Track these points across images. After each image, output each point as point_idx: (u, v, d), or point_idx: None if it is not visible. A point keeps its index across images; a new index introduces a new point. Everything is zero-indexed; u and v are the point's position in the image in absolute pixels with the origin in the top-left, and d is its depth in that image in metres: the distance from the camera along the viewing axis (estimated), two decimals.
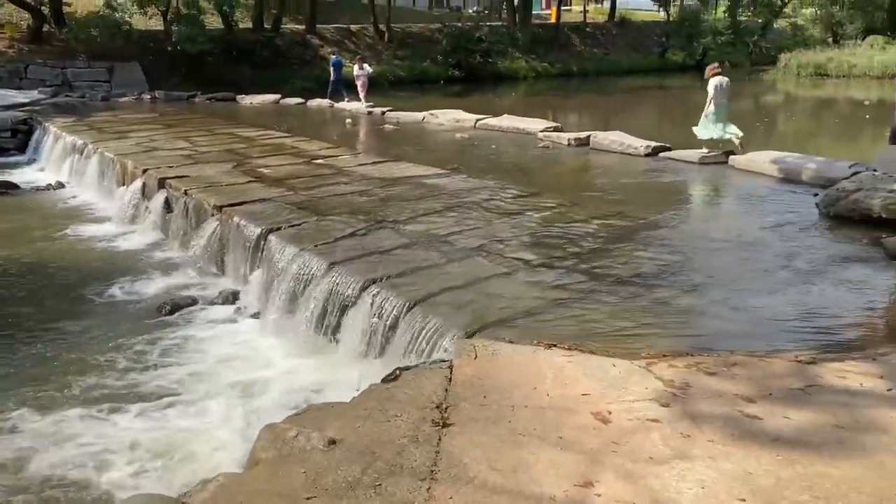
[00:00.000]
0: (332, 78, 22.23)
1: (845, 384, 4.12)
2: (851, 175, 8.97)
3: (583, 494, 3.05)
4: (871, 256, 6.70)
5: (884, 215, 7.50)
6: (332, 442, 3.45)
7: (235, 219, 8.07)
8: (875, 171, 9.10)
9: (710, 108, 11.80)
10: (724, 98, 11.87)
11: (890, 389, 4.05)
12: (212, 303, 7.60)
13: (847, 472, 3.22)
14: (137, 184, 10.71)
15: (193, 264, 8.57)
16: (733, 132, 11.84)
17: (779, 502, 3.01)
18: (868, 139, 18.28)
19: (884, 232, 7.19)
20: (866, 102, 26.38)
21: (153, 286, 8.14)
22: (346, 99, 21.38)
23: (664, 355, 4.51)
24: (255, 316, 7.15)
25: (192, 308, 7.49)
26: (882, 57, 37.54)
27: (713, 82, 11.83)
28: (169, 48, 26.75)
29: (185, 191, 9.40)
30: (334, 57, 23.27)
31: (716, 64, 12.50)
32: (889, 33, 45.37)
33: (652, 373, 4.22)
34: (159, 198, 9.93)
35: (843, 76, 37.33)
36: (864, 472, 3.22)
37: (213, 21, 30.27)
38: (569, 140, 13.46)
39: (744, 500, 3.02)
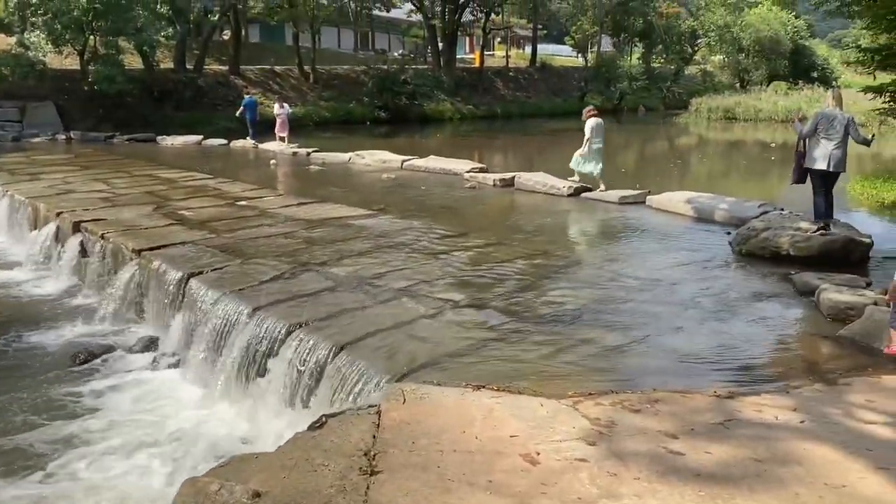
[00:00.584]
0: (248, 119, 22.20)
1: (762, 417, 4.26)
2: (760, 214, 9.42)
3: None
4: (781, 292, 7.01)
5: (792, 252, 7.88)
6: (257, 495, 3.33)
7: (155, 263, 7.84)
8: (783, 210, 9.59)
9: (585, 147, 12.93)
10: (600, 137, 13.00)
11: (803, 422, 4.21)
12: (130, 350, 7.31)
13: None
14: (51, 227, 10.29)
15: (111, 311, 8.24)
16: (600, 171, 13.04)
17: None
18: (775, 179, 19.24)
19: (792, 268, 7.54)
20: (772, 144, 27.83)
21: (67, 334, 7.78)
22: (253, 142, 21.45)
23: (590, 394, 4.58)
24: (176, 363, 6.91)
25: (108, 356, 7.18)
26: (785, 102, 39.82)
27: (590, 123, 12.99)
28: (86, 88, 26.02)
29: (102, 234, 9.08)
30: (247, 97, 23.31)
31: (591, 107, 13.81)
32: (791, 80, 48.30)
33: (578, 411, 4.27)
34: (74, 242, 9.56)
35: (751, 119, 39.34)
36: None
37: (133, 61, 29.66)
38: (494, 181, 13.69)
39: None
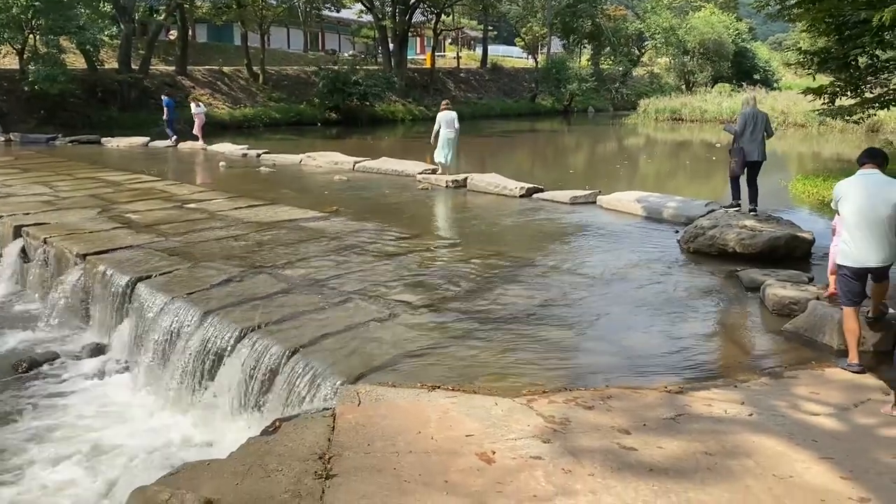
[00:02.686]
0: (165, 117, 22.38)
1: (711, 412, 4.35)
2: (707, 213, 9.64)
3: None
4: (728, 289, 7.18)
5: (738, 249, 8.07)
6: (209, 503, 3.27)
7: (101, 267, 7.63)
8: (727, 208, 9.85)
9: (433, 137, 14.30)
10: (452, 128, 14.18)
11: (751, 415, 4.31)
12: (76, 357, 7.09)
13: (717, 498, 3.38)
14: None
15: (55, 317, 7.99)
16: (449, 159, 14.44)
17: None
18: (721, 179, 19.68)
19: (738, 265, 7.73)
20: (717, 144, 28.43)
21: (9, 342, 7.51)
22: (174, 139, 21.70)
23: (544, 392, 4.62)
24: (124, 370, 6.73)
25: (53, 364, 6.95)
26: (729, 103, 40.76)
27: (440, 116, 14.29)
28: (26, 88, 25.20)
29: (45, 239, 8.81)
30: (166, 98, 23.26)
31: (447, 101, 15.11)
32: (734, 81, 49.53)
33: (533, 409, 4.30)
34: (15, 247, 9.25)
35: (696, 120, 40.19)
36: (732, 497, 3.39)
37: (76, 61, 28.87)
38: (447, 182, 13.71)
39: None
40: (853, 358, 5.21)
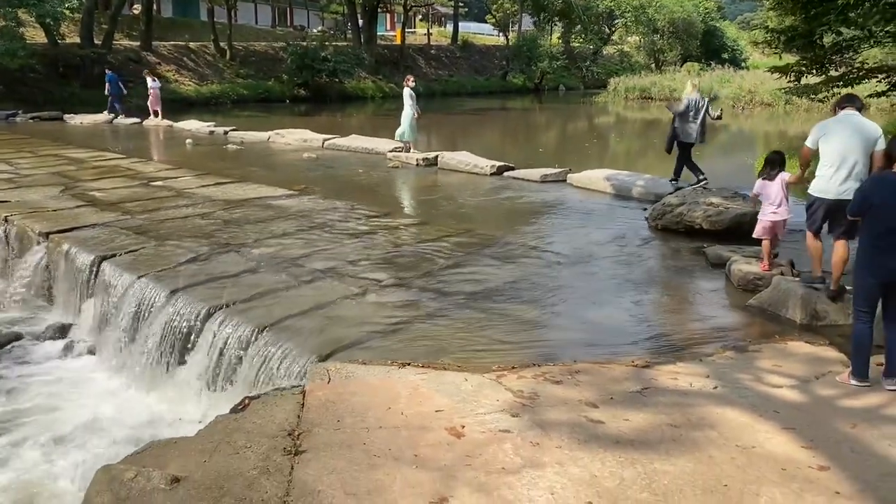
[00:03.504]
0: (107, 92, 22.25)
1: (677, 385, 4.42)
2: (675, 191, 9.73)
3: None
4: (694, 265, 7.27)
5: (705, 226, 8.17)
6: (176, 480, 3.25)
7: (65, 246, 7.50)
8: (695, 185, 9.96)
9: (407, 112, 14.27)
10: (409, 104, 14.28)
11: (716, 388, 4.39)
12: (39, 338, 6.97)
13: (682, 468, 3.44)
14: None
15: (17, 297, 7.84)
16: (401, 134, 14.50)
17: (623, 502, 3.17)
18: None
19: (705, 242, 7.83)
20: None
21: None
22: (122, 115, 21.67)
23: (513, 367, 4.65)
24: (90, 350, 6.64)
25: (15, 344, 6.83)
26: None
27: (406, 91, 14.39)
28: None
29: (6, 217, 8.61)
30: (109, 73, 23.04)
31: (410, 77, 15.02)
32: (703, 60, 49.86)
33: (502, 385, 4.34)
34: None
35: (666, 99, 40.39)
36: (696, 467, 3.46)
37: (36, 35, 28.10)
38: (417, 160, 13.66)
39: (590, 503, 3.15)
40: (816, 272, 5.99)
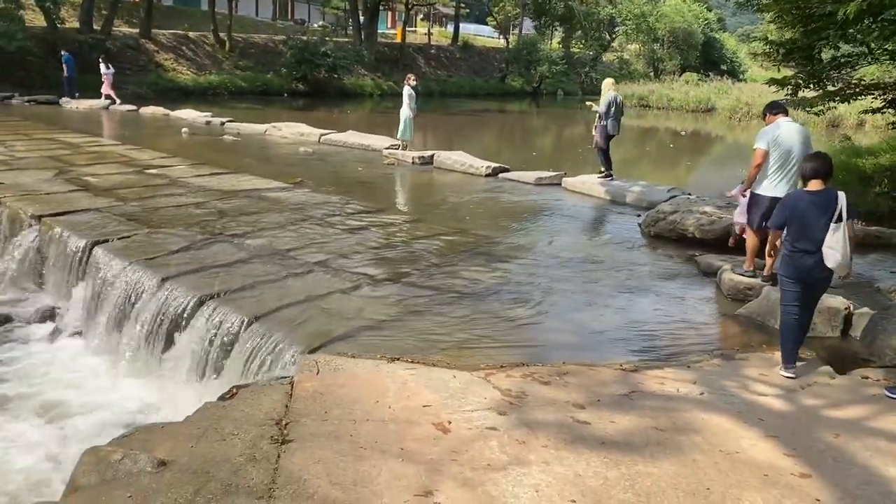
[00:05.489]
0: (64, 74, 22.67)
1: (664, 390, 4.45)
2: (669, 198, 9.78)
3: None
4: (686, 273, 7.31)
5: (697, 235, 8.21)
6: (162, 463, 3.26)
7: (57, 230, 7.47)
8: (690, 195, 10.00)
9: (405, 110, 14.26)
10: (406, 103, 14.27)
11: (702, 394, 4.43)
12: (28, 321, 6.96)
13: (665, 471, 3.47)
14: None
15: (7, 279, 7.81)
16: (400, 132, 14.49)
17: (606, 502, 3.20)
18: (684, 166, 19.96)
19: (697, 250, 7.87)
20: (682, 133, 28.82)
21: None
22: (68, 97, 22.12)
23: (502, 366, 4.67)
24: (79, 334, 6.63)
25: (4, 326, 6.81)
26: (696, 91, 41.21)
27: (406, 89, 14.35)
28: None
29: None
30: (65, 53, 23.29)
31: (411, 76, 14.95)
32: (702, 71, 50.03)
33: (490, 383, 4.35)
34: None
35: (663, 108, 40.57)
36: (679, 470, 3.49)
37: (35, 18, 27.93)
38: (413, 158, 13.66)
39: (574, 501, 3.17)
40: (749, 266, 6.69)
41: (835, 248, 4.71)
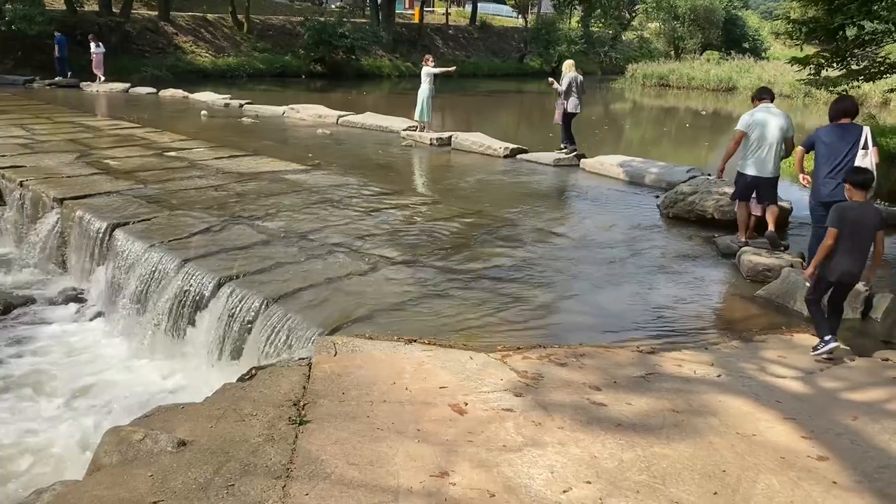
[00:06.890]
0: (56, 55, 22.92)
1: (681, 372, 4.44)
2: (688, 179, 9.69)
3: (439, 485, 3.11)
4: (704, 254, 7.27)
5: (716, 216, 8.15)
6: (183, 443, 3.31)
7: (79, 213, 7.56)
8: (709, 175, 9.89)
9: (424, 91, 14.34)
10: (424, 82, 14.32)
11: (719, 376, 4.41)
12: (51, 302, 7.07)
13: (681, 453, 3.47)
14: None
15: (30, 261, 7.94)
16: (419, 113, 14.56)
17: (621, 483, 3.21)
18: (704, 146, 19.75)
19: (716, 232, 7.82)
20: (703, 112, 28.50)
21: None
22: (61, 78, 22.46)
23: (518, 348, 4.68)
24: (101, 316, 6.73)
25: (28, 308, 6.93)
26: (717, 70, 40.71)
27: (426, 70, 14.37)
28: (2, 28, 24.47)
29: (21, 182, 8.69)
30: (58, 34, 23.49)
31: (429, 57, 14.93)
32: (723, 49, 49.35)
33: (507, 365, 4.37)
34: None
35: (684, 87, 40.13)
36: (695, 452, 3.49)
37: (54, 1, 28.10)
38: (431, 140, 13.63)
39: (590, 483, 3.19)
40: (741, 237, 7.27)
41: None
